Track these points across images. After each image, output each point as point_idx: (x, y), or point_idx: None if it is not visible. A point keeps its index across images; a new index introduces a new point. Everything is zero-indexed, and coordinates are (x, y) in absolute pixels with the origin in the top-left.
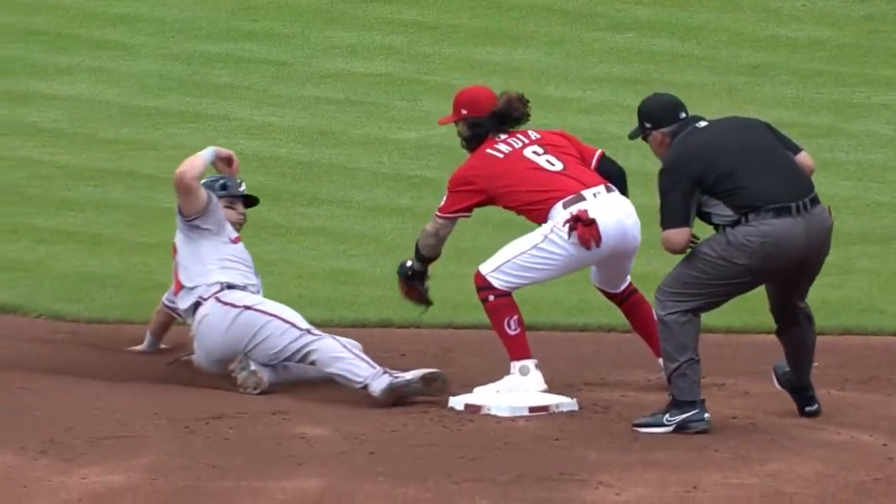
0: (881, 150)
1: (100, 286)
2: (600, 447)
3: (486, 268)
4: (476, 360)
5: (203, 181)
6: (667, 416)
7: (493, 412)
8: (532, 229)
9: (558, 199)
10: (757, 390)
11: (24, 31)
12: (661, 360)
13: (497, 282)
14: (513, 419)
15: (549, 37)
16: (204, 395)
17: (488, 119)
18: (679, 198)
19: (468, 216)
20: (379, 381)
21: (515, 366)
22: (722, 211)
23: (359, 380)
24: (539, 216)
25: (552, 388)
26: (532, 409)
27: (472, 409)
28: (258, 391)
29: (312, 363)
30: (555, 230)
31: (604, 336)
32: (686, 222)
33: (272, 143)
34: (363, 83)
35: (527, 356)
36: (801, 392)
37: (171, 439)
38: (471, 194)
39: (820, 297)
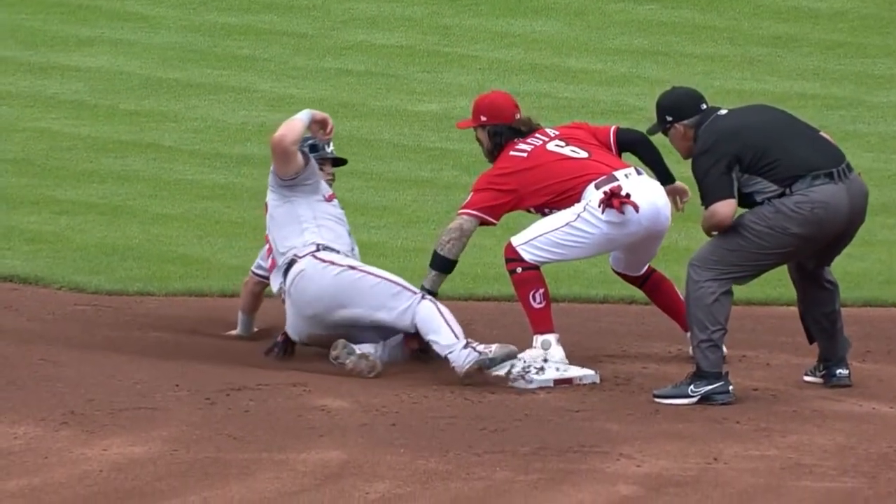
0: None
1: (121, 258)
2: (621, 419)
3: (517, 240)
4: (495, 333)
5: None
6: (691, 387)
7: (517, 385)
8: None
9: (590, 181)
10: (778, 362)
11: (45, 2)
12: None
13: (527, 255)
14: (533, 391)
15: (569, 8)
16: (225, 367)
17: (507, 128)
18: (720, 173)
19: (495, 223)
20: (461, 353)
21: (538, 339)
22: (764, 187)
23: (442, 347)
24: (573, 200)
25: (573, 360)
26: (556, 382)
27: (495, 381)
28: (374, 374)
29: (414, 325)
30: (588, 209)
31: (625, 308)
32: (731, 194)
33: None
34: (384, 55)
35: (550, 330)
36: (828, 360)
37: (191, 411)
38: (499, 193)
39: (841, 268)
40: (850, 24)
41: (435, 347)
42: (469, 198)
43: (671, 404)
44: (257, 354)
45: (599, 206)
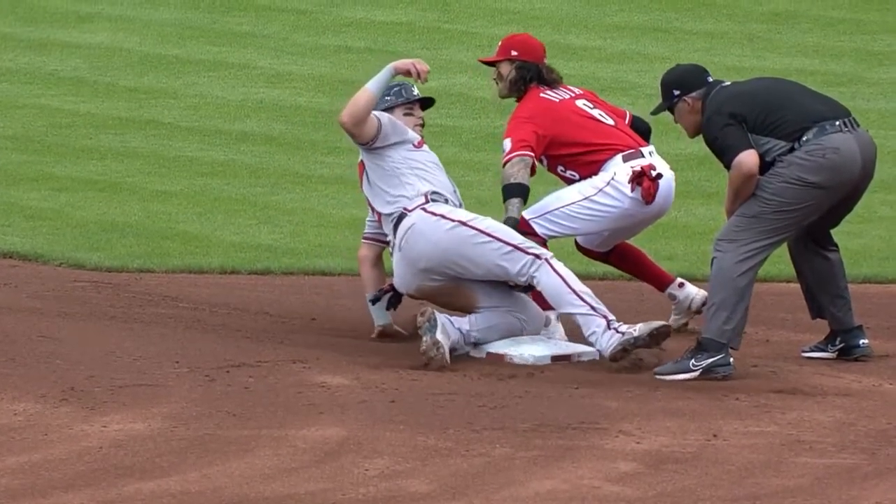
0: None
1: (120, 234)
2: (621, 396)
3: (529, 213)
4: None
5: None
6: (692, 360)
7: (515, 361)
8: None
9: (618, 151)
10: (777, 338)
11: None
12: (668, 292)
13: (540, 228)
14: (533, 368)
15: None
16: (224, 343)
17: (536, 67)
18: (733, 130)
19: (533, 156)
20: (604, 337)
21: None
22: (773, 145)
23: (588, 330)
24: (594, 167)
25: (573, 336)
26: (554, 358)
27: (493, 358)
28: (439, 368)
29: (531, 284)
30: (612, 183)
31: (624, 285)
32: (750, 145)
33: (292, 92)
34: (384, 31)
35: (551, 307)
36: (847, 332)
37: (191, 388)
38: (537, 129)
39: (841, 245)
40: (849, 1)
41: (573, 320)
42: (510, 140)
43: (673, 380)
44: (256, 330)
45: (630, 183)
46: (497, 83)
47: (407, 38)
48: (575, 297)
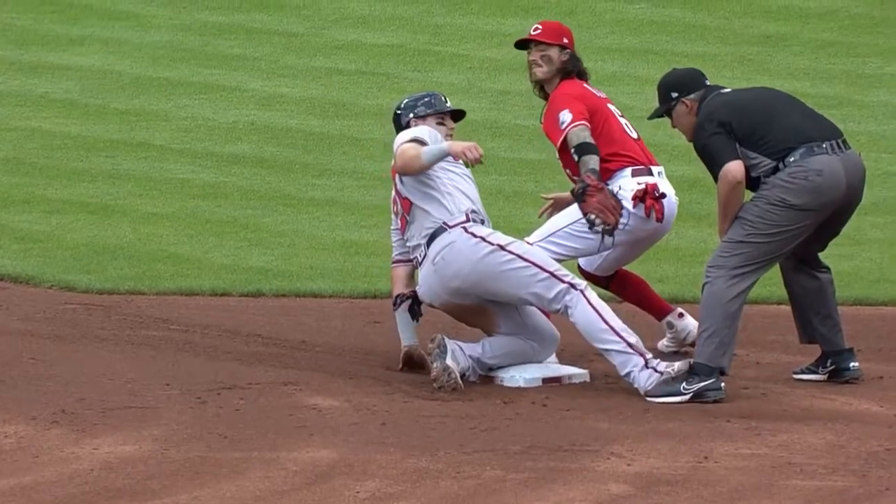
0: (893, 121)
1: (111, 257)
2: (612, 418)
3: (534, 238)
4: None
5: (406, 101)
6: (684, 384)
7: (505, 383)
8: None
9: (631, 164)
10: (768, 360)
11: (37, 1)
12: (667, 320)
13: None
14: (523, 390)
15: (560, 7)
16: (216, 365)
17: (579, 60)
18: (721, 139)
19: (587, 123)
20: (641, 376)
21: None
22: (759, 162)
23: (624, 370)
24: (603, 176)
25: (564, 358)
26: (545, 381)
27: (484, 381)
28: (452, 393)
29: (566, 314)
30: (617, 198)
31: (616, 307)
32: (737, 155)
33: (283, 115)
34: (375, 54)
35: None
36: (838, 354)
37: (182, 410)
38: (585, 108)
39: (832, 267)
40: (840, 24)
41: (607, 356)
42: (569, 111)
43: (663, 403)
44: (247, 352)
45: (633, 200)
46: (539, 65)
47: (398, 61)
48: (611, 332)
